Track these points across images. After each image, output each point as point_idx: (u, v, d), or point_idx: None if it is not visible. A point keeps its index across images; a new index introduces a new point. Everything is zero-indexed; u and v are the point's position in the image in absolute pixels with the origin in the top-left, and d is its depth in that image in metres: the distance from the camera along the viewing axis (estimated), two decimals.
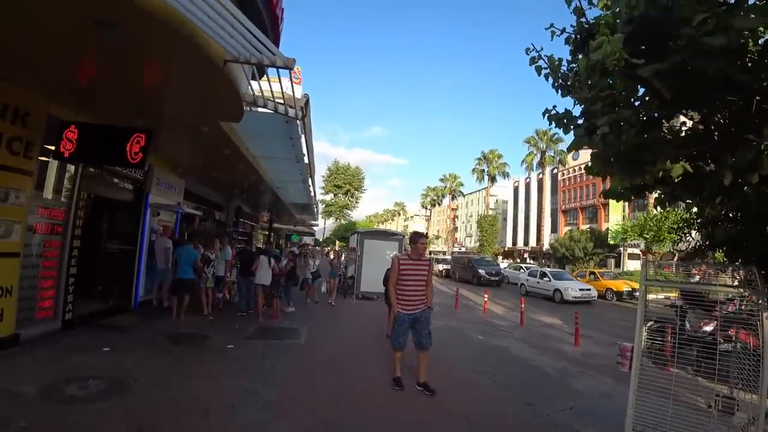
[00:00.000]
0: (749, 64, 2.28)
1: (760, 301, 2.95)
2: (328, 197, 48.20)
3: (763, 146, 2.17)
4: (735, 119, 2.81)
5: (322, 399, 4.56)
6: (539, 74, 3.90)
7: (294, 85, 5.20)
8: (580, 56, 3.72)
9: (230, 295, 10.60)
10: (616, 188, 3.31)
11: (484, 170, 53.43)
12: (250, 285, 9.13)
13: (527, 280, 21.55)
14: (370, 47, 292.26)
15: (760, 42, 2.23)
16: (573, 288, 18.74)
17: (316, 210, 18.29)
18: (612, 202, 39.00)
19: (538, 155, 45.21)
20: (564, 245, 38.87)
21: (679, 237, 4.56)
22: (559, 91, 3.91)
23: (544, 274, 20.74)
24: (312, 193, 13.52)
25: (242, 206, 17.59)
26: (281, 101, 5.39)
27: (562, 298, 18.37)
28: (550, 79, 3.88)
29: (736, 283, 3.52)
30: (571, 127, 3.65)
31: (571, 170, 52.37)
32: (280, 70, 4.41)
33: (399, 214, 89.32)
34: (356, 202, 48.94)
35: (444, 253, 59.86)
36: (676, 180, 3.29)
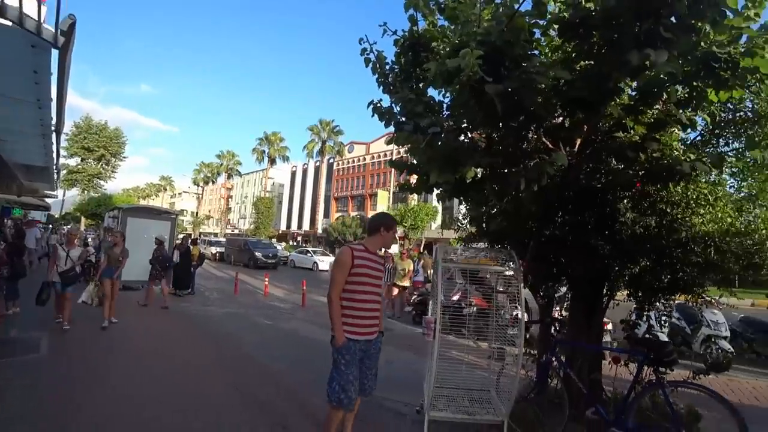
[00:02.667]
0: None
1: (517, 276, 3.82)
2: (73, 161, 37.20)
3: (548, 161, 2.84)
4: (518, 139, 3.62)
5: (92, 423, 3.53)
6: (367, 65, 4.06)
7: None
8: (404, 60, 4.06)
9: None
10: (435, 182, 3.69)
11: (264, 151, 52.39)
12: None
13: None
14: None
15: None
16: None
17: (56, 177, 13.81)
18: (380, 193, 44.74)
19: (319, 144, 47.40)
20: (337, 230, 42.50)
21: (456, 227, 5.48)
22: (381, 87, 4.16)
23: None
24: (54, 154, 10.00)
25: None
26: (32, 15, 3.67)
27: None
28: (376, 75, 4.12)
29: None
30: (392, 121, 3.91)
31: (346, 161, 57.10)
32: None
33: (165, 190, 77.57)
34: (113, 172, 39.34)
35: (216, 235, 55.79)
36: (468, 181, 3.98)
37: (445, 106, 3.90)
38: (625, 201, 3.25)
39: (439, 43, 3.78)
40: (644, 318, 4.10)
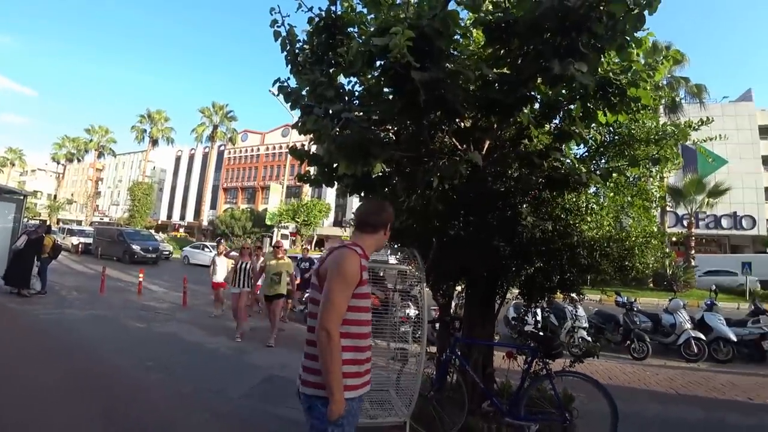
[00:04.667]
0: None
1: (420, 275, 3.83)
2: None
3: (463, 160, 2.86)
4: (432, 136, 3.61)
5: None
6: (276, 39, 3.75)
7: None
8: (317, 41, 3.80)
9: None
10: (343, 173, 3.49)
11: (146, 130, 46.37)
12: None
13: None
14: None
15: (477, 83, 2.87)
16: None
17: None
18: (273, 186, 42.91)
19: (210, 128, 43.62)
20: (224, 222, 40.03)
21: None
22: (290, 66, 3.86)
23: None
24: None
25: None
26: None
27: None
28: (285, 52, 3.80)
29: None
30: (299, 104, 3.65)
31: (238, 150, 53.80)
32: None
33: (12, 165, 63.29)
34: None
35: (80, 222, 47.96)
36: (374, 176, 3.87)
37: (356, 95, 3.74)
38: (526, 206, 3.45)
39: (358, 29, 3.61)
40: (531, 315, 4.46)
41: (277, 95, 3.84)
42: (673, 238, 25.09)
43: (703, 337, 7.65)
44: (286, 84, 3.70)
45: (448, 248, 3.85)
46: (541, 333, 4.16)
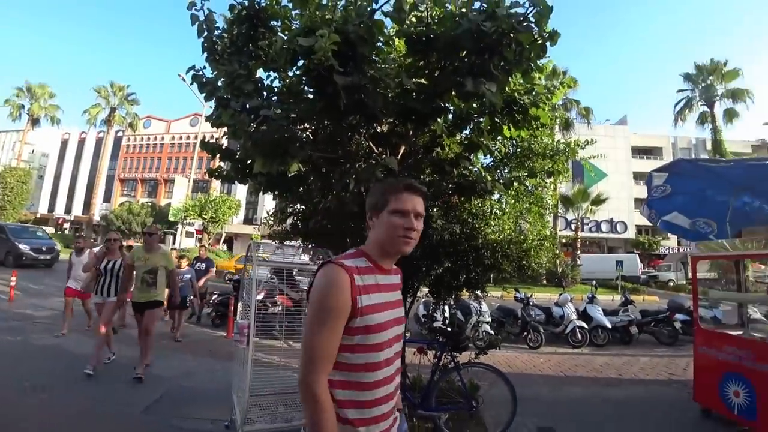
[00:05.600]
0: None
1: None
2: None
3: (379, 164, 2.97)
4: (350, 138, 3.67)
5: None
6: (193, 24, 3.60)
7: None
8: (237, 30, 3.67)
9: None
10: (259, 171, 3.40)
11: (24, 106, 39.61)
12: None
13: None
14: None
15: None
16: None
17: None
18: (178, 179, 39.67)
19: (107, 110, 38.82)
20: (120, 217, 36.32)
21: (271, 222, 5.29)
22: (206, 54, 3.70)
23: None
24: None
25: None
26: None
27: None
28: (202, 38, 3.64)
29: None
30: (215, 95, 3.51)
31: (139, 138, 49.01)
32: None
33: None
34: None
35: None
36: (290, 175, 3.83)
37: (275, 90, 3.67)
38: (437, 210, 3.68)
39: (281, 24, 3.54)
40: (439, 312, 4.76)
41: (191, 84, 3.65)
42: (563, 241, 28.27)
43: (585, 325, 8.77)
44: (201, 72, 3.53)
45: None
46: (448, 329, 4.45)
